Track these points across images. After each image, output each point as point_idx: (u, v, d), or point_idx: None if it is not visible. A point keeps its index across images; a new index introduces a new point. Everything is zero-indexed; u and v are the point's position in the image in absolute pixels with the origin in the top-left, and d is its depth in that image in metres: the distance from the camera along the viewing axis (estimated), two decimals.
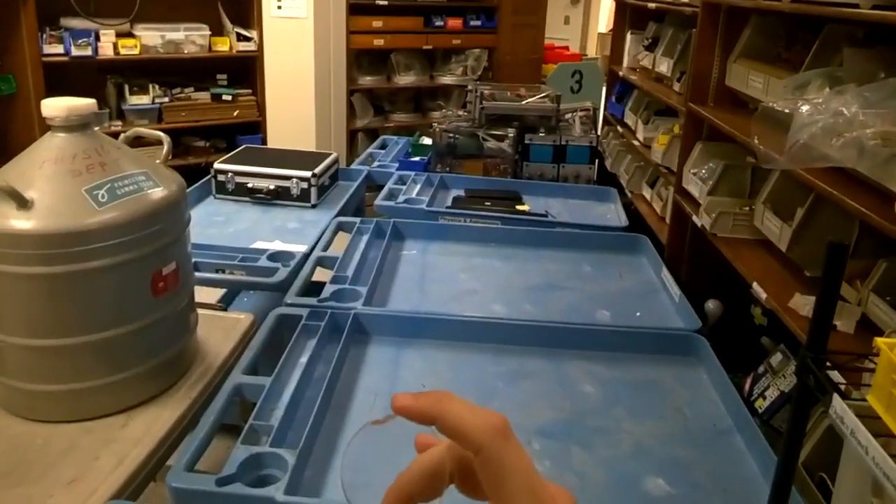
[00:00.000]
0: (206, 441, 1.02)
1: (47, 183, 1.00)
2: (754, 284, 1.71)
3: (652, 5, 3.13)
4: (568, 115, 3.09)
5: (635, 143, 3.22)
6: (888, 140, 1.17)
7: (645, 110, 3.27)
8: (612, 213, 2.56)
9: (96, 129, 1.08)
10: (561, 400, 1.30)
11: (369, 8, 4.44)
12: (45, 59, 3.53)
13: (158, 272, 1.07)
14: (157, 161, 1.16)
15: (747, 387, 1.82)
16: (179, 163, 3.95)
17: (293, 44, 4.07)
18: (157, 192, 1.07)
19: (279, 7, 4.01)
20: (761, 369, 1.80)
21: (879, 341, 0.70)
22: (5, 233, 0.97)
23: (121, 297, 1.04)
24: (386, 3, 4.45)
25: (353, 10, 4.32)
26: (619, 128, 3.68)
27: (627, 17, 3.89)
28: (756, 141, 1.35)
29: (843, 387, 1.01)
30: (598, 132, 3.53)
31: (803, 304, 1.53)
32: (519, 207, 2.49)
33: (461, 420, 0.33)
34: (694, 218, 2.28)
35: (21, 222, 0.97)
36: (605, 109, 4.23)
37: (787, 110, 1.28)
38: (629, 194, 3.22)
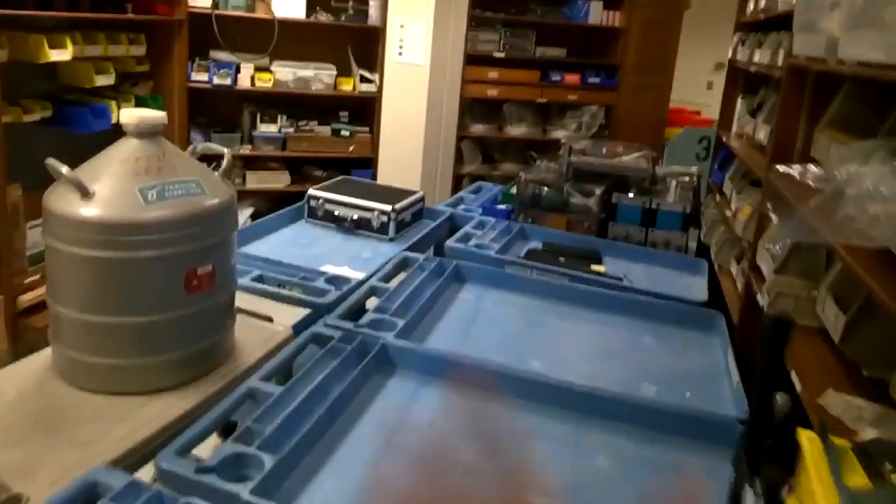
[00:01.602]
0: (205, 432, 1.08)
1: (110, 179, 1.13)
2: (792, 373, 1.57)
3: (754, 69, 3.00)
4: (669, 179, 2.99)
5: (728, 213, 3.06)
6: None
7: (742, 179, 3.12)
8: (698, 287, 2.44)
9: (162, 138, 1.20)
10: (567, 468, 1.25)
11: (487, 59, 4.59)
12: (190, 84, 3.95)
13: (193, 271, 1.16)
14: (216, 174, 1.27)
15: (785, 490, 1.65)
16: (297, 188, 4.22)
17: (410, 88, 4.29)
18: (203, 199, 1.17)
19: (400, 53, 4.24)
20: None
21: (801, 433, 0.63)
22: (69, 217, 1.11)
23: (156, 287, 1.14)
24: (503, 55, 4.59)
25: (471, 61, 4.49)
26: (717, 197, 3.53)
27: (740, 80, 3.74)
28: (769, 207, 1.26)
29: None
30: (702, 200, 3.40)
31: (835, 402, 1.38)
32: (594, 268, 2.43)
33: None
34: (758, 296, 2.13)
35: (82, 209, 1.10)
36: (710, 177, 4.07)
37: (806, 177, 1.19)
38: (717, 268, 3.06)
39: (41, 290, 2.96)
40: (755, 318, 2.40)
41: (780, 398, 2.19)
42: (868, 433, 0.99)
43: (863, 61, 1.47)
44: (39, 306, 2.96)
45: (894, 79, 1.32)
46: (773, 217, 1.26)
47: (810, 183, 1.24)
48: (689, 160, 5.15)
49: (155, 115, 1.19)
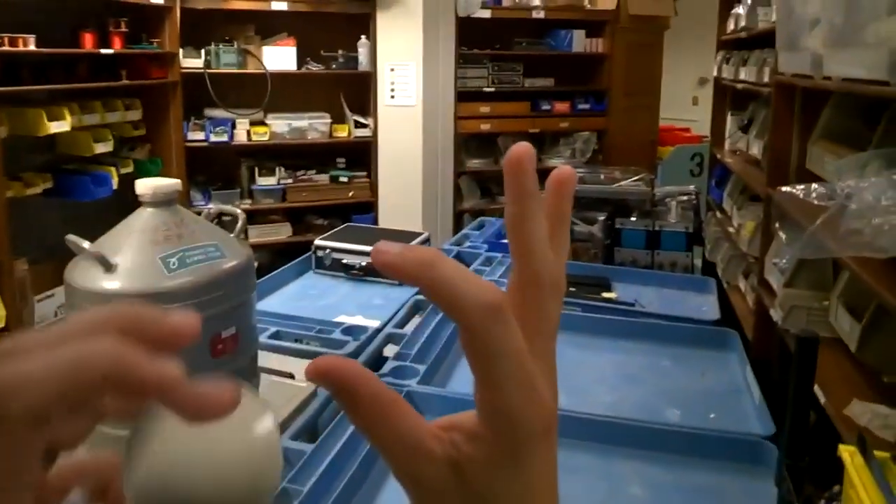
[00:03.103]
0: None
1: (131, 250, 1.14)
2: (815, 387, 1.57)
3: (741, 86, 3.06)
4: (669, 199, 3.02)
5: (730, 230, 3.09)
6: None
7: (741, 195, 3.15)
8: (709, 305, 2.44)
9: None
10: (604, 498, 1.24)
11: (477, 94, 4.66)
12: (187, 143, 3.99)
13: (218, 335, 1.17)
14: (231, 235, 1.28)
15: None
16: (300, 239, 4.25)
17: (404, 129, 4.35)
18: (223, 262, 1.18)
19: (392, 96, 4.31)
20: (837, 488, 1.61)
21: (842, 448, 0.64)
22: (93, 291, 1.12)
23: (182, 354, 1.13)
24: (493, 89, 4.66)
25: (461, 97, 4.56)
26: (718, 214, 3.56)
27: (728, 97, 3.80)
28: (777, 226, 1.28)
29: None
30: (703, 218, 3.42)
31: (861, 412, 1.38)
32: (605, 295, 2.44)
33: (452, 289, 0.28)
34: (771, 311, 2.14)
35: (106, 283, 1.11)
36: (707, 194, 4.11)
37: (810, 195, 1.22)
38: (725, 285, 3.07)
39: None
40: (770, 332, 2.40)
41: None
42: None
43: (847, 77, 1.51)
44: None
45: (878, 94, 1.35)
46: (782, 235, 1.28)
47: (814, 201, 1.26)
48: (684, 177, 5.20)
49: (169, 183, 1.20)
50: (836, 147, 1.80)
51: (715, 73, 3.97)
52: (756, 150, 2.83)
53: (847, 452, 0.64)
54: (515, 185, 0.31)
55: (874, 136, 1.69)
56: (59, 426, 0.28)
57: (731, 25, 3.55)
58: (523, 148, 0.31)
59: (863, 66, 1.35)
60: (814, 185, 1.25)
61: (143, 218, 1.18)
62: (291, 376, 1.57)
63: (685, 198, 3.03)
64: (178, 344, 0.30)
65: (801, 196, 1.26)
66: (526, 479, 0.32)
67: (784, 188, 1.38)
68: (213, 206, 1.35)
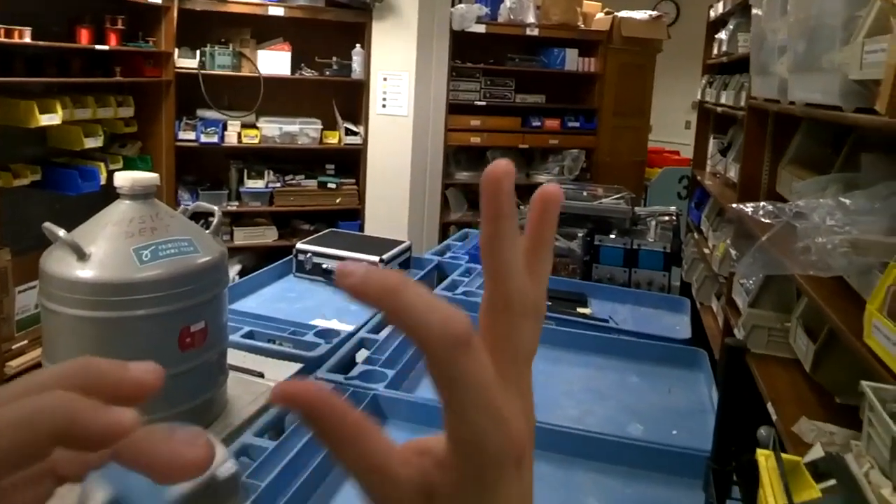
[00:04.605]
0: None
1: (105, 241, 1.16)
2: (769, 404, 1.61)
3: (721, 110, 3.12)
4: (649, 219, 3.06)
5: (706, 251, 3.14)
6: (859, 248, 1.12)
7: (717, 217, 3.21)
8: (682, 325, 2.48)
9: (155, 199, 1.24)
10: None
11: (468, 107, 4.71)
12: (178, 143, 4.01)
13: (187, 328, 1.19)
14: (207, 232, 1.31)
15: None
16: (285, 243, 4.26)
17: (394, 139, 4.39)
18: (196, 257, 1.21)
19: (384, 105, 4.35)
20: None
21: (759, 453, 0.67)
22: (66, 278, 1.14)
23: (151, 346, 1.16)
24: (484, 103, 4.71)
25: (453, 110, 4.61)
26: (696, 235, 3.61)
27: (711, 120, 3.87)
28: (729, 243, 1.32)
29: None
30: (683, 239, 3.47)
31: (808, 429, 1.42)
32: (580, 310, 2.47)
33: (416, 318, 0.27)
34: (735, 331, 2.18)
35: (78, 271, 1.13)
36: (687, 215, 4.16)
37: (758, 213, 1.26)
38: (699, 305, 3.11)
39: (31, 356, 2.95)
40: None
41: (765, 430, 2.22)
42: (817, 450, 1.03)
43: (809, 102, 1.56)
44: (28, 372, 2.95)
45: (835, 119, 1.41)
46: (733, 252, 1.33)
47: (762, 218, 1.31)
48: (671, 199, 5.26)
49: (148, 177, 1.23)
50: (803, 171, 1.86)
51: (699, 97, 4.05)
52: (733, 173, 2.89)
53: (763, 456, 0.67)
54: (491, 205, 0.30)
55: (837, 161, 1.74)
56: (13, 493, 0.27)
57: (714, 50, 3.62)
58: (501, 167, 0.30)
59: (820, 91, 1.40)
60: (762, 203, 1.30)
61: (119, 210, 1.21)
62: (261, 375, 1.59)
63: (666, 218, 3.07)
64: (139, 396, 0.29)
65: (750, 213, 1.30)
66: None
67: (734, 205, 1.43)
68: (191, 204, 1.38)
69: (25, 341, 3.02)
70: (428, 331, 0.27)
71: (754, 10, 2.29)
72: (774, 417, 1.56)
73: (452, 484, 0.30)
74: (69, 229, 1.18)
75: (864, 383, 1.02)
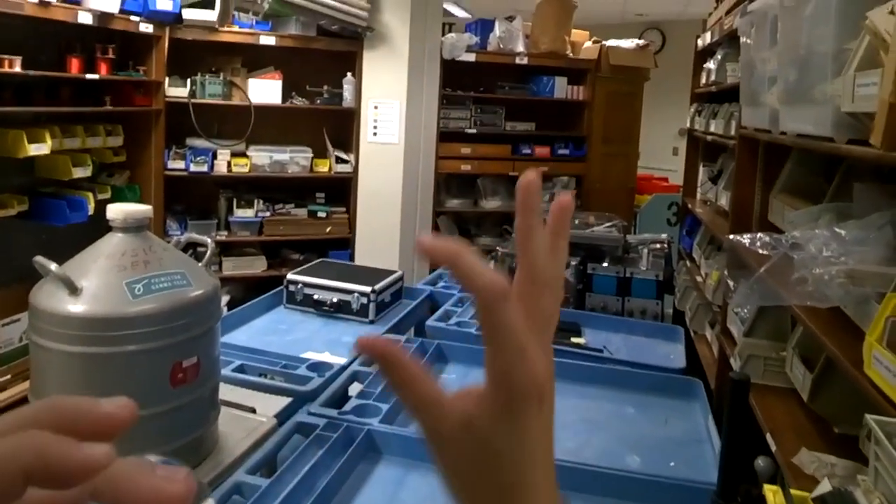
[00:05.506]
0: None
1: (97, 274, 1.14)
2: (768, 435, 1.59)
3: (710, 138, 3.15)
4: (641, 247, 3.06)
5: (699, 279, 3.14)
6: (855, 279, 1.12)
7: (709, 245, 3.21)
8: (677, 354, 2.47)
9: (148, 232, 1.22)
10: None
11: (459, 135, 4.74)
12: (167, 172, 3.99)
13: (179, 363, 1.17)
14: (200, 264, 1.29)
15: None
16: (274, 273, 4.21)
17: (385, 166, 4.39)
18: (189, 291, 1.19)
19: (375, 133, 4.36)
20: None
21: (766, 488, 0.66)
22: (57, 313, 1.11)
23: (141, 381, 1.14)
24: (475, 131, 4.74)
25: (443, 137, 4.63)
26: (688, 263, 3.62)
27: (700, 148, 3.90)
28: (726, 274, 1.32)
29: None
30: (675, 267, 3.48)
31: (809, 460, 1.40)
32: (575, 340, 2.46)
33: (471, 273, 0.36)
34: (731, 360, 2.17)
35: (70, 306, 1.11)
36: (679, 243, 4.17)
37: (755, 244, 1.26)
38: (693, 334, 3.11)
39: (14, 391, 2.88)
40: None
41: (763, 461, 2.20)
42: (825, 485, 1.02)
43: (801, 133, 1.58)
44: (11, 408, 2.87)
45: (826, 150, 1.42)
46: (730, 283, 1.33)
47: (759, 250, 1.31)
48: (661, 226, 5.29)
49: (140, 209, 1.21)
50: (795, 200, 1.87)
51: (688, 125, 4.09)
52: (724, 201, 2.91)
53: (770, 491, 0.66)
54: (526, 202, 0.40)
55: (829, 191, 1.75)
56: None
57: (703, 79, 3.67)
58: (534, 174, 0.40)
59: (812, 122, 1.42)
60: (759, 235, 1.30)
61: (112, 243, 1.19)
62: (253, 410, 1.56)
63: (657, 246, 3.08)
64: (112, 432, 0.29)
65: (748, 245, 1.30)
66: (521, 436, 0.39)
67: (732, 236, 1.43)
68: (183, 236, 1.36)
69: (8, 376, 2.95)
70: (480, 285, 0.36)
71: (743, 40, 2.32)
72: (774, 448, 1.54)
73: (488, 411, 0.38)
74: (56, 260, 1.16)
75: (868, 417, 1.01)
